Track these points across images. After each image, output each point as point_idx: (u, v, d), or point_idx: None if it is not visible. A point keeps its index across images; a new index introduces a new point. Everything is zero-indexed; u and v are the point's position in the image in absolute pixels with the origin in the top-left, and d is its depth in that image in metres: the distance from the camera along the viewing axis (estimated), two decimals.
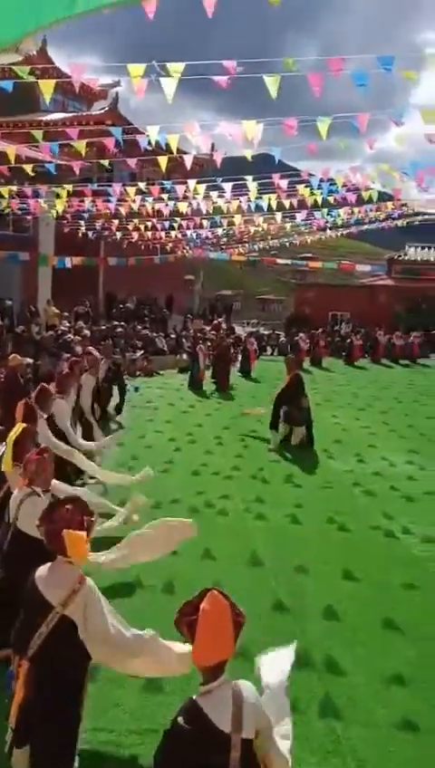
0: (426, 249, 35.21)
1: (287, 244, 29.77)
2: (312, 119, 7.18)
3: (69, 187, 13.38)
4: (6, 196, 13.12)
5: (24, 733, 2.89)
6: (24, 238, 20.51)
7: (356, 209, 17.29)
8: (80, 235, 19.78)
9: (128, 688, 4.00)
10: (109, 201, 14.96)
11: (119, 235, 20.44)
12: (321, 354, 22.44)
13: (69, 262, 19.58)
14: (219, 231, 21.60)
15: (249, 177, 12.09)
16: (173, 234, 20.61)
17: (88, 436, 8.56)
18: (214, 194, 14.05)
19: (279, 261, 30.99)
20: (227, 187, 12.93)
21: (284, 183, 12.50)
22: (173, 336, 22.81)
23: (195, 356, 16.86)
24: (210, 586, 2.45)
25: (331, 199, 14.69)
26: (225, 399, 15.14)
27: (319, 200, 14.10)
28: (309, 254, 44.57)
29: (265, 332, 28.66)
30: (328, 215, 18.09)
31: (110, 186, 14.71)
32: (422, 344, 25.72)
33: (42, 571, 3.01)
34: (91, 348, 12.58)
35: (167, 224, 18.72)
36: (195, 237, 23.50)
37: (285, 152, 9.41)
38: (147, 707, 3.89)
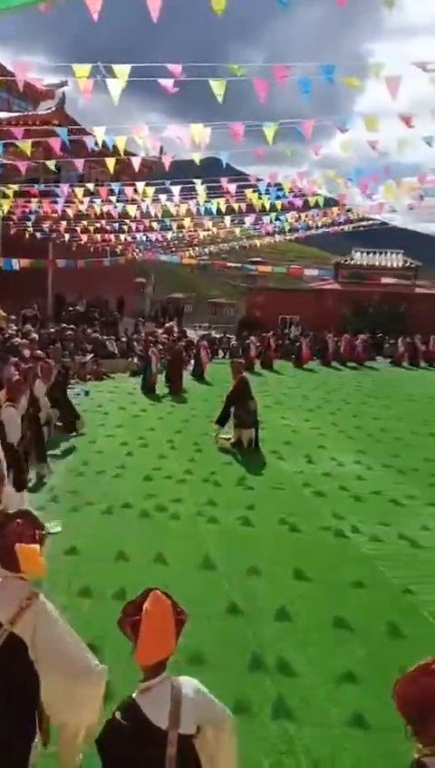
0: (371, 254, 36.15)
1: (237, 247, 30.00)
2: (258, 124, 7.26)
3: (15, 187, 13.09)
4: None
5: None
6: None
7: (303, 214, 17.59)
8: (27, 236, 19.37)
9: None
10: (56, 202, 14.70)
11: (67, 236, 20.12)
12: (271, 357, 22.68)
13: (16, 263, 19.13)
14: (169, 234, 21.56)
15: (198, 181, 12.12)
16: (123, 236, 20.44)
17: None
18: (163, 197, 14.02)
19: (229, 265, 31.18)
20: (176, 190, 12.92)
21: (232, 187, 12.59)
22: (124, 339, 22.60)
23: (147, 359, 16.75)
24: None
25: (278, 204, 14.88)
26: (177, 403, 15.08)
27: (267, 205, 14.26)
28: (259, 259, 45.05)
29: (217, 336, 28.77)
30: (276, 219, 18.32)
31: (57, 186, 14.47)
32: (368, 347, 26.31)
33: None
34: (39, 351, 12.35)
35: (117, 226, 18.55)
36: (145, 240, 23.37)
37: (233, 157, 9.50)
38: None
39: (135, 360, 20.33)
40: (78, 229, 18.92)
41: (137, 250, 26.04)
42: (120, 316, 27.24)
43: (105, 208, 15.43)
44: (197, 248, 28.45)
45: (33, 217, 17.21)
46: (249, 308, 36.17)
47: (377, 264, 35.25)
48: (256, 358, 21.92)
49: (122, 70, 5.65)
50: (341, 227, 22.33)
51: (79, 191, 13.55)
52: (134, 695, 2.30)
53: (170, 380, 16.51)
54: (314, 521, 7.44)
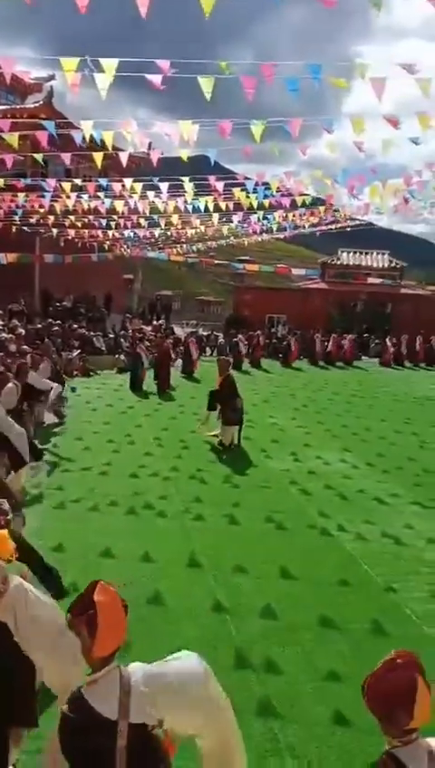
0: (358, 254, 36.32)
1: (225, 245, 29.97)
2: (246, 121, 7.25)
3: (0, 181, 12.94)
4: None
5: None
6: None
7: (290, 214, 17.60)
8: (14, 230, 19.19)
9: None
10: (43, 197, 14.57)
11: (55, 231, 19.97)
12: (258, 356, 22.71)
13: (3, 258, 18.93)
14: (157, 231, 21.47)
15: (186, 178, 12.07)
16: (111, 232, 20.31)
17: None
18: (151, 193, 13.95)
19: (217, 263, 31.15)
20: (164, 187, 12.86)
21: (220, 185, 12.56)
22: (111, 335, 22.48)
23: (136, 356, 16.69)
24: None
25: (266, 203, 14.88)
26: (164, 400, 15.05)
27: (254, 203, 14.25)
28: (247, 257, 45.05)
29: (205, 333, 28.72)
30: (263, 218, 18.31)
31: (44, 180, 14.34)
32: (355, 347, 26.40)
33: None
34: (25, 347, 12.24)
35: (104, 221, 18.43)
36: (133, 236, 23.26)
37: (222, 155, 9.47)
38: None
39: (122, 356, 20.25)
40: (66, 224, 18.75)
41: (125, 246, 25.91)
42: (108, 312, 27.09)
43: (93, 204, 15.32)
44: (184, 245, 28.39)
45: (19, 212, 17.05)
46: (237, 306, 36.17)
47: (363, 264, 35.41)
48: (245, 356, 21.94)
49: (110, 64, 5.61)
50: (328, 227, 22.38)
51: (66, 186, 13.44)
52: (81, 687, 2.28)
53: (159, 378, 16.47)
54: (299, 519, 7.47)
